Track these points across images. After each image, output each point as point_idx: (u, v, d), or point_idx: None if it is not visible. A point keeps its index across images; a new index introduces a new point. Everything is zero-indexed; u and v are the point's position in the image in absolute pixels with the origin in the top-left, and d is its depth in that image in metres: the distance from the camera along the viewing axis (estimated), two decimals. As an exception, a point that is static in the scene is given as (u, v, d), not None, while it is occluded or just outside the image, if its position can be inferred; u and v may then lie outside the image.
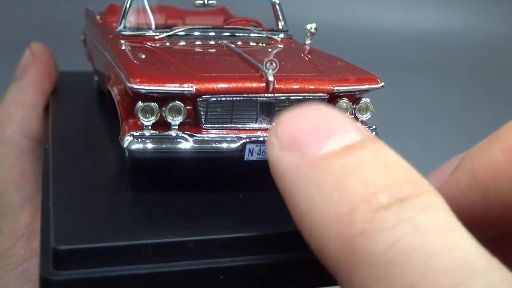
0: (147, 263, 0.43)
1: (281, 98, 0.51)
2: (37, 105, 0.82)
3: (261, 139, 0.51)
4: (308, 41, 0.68)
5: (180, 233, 0.44)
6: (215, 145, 0.50)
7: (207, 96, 0.49)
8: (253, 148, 0.51)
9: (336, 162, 0.33)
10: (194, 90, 0.49)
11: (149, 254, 0.43)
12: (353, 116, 0.55)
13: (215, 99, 0.50)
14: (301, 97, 0.52)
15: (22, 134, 0.78)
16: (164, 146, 0.49)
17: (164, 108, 0.49)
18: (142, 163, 0.53)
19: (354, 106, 0.55)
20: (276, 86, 0.50)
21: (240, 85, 0.49)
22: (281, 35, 0.69)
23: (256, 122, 0.51)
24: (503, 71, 2.07)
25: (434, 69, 1.97)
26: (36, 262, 0.67)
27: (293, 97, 0.51)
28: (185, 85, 0.48)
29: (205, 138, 0.50)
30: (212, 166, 0.53)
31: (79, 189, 0.52)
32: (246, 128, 0.51)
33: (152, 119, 0.49)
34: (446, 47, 2.10)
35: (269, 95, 0.50)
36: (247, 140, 0.50)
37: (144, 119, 0.49)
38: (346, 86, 0.53)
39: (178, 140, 0.49)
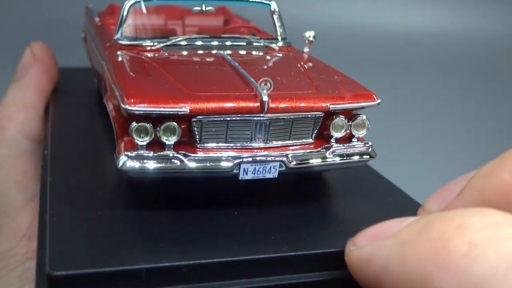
0: None
1: (276, 118, 0.51)
2: (37, 106, 0.82)
3: (256, 158, 0.51)
4: (306, 49, 0.68)
5: (174, 257, 0.44)
6: (210, 165, 0.50)
7: (202, 116, 0.49)
8: (248, 168, 0.51)
9: (412, 224, 0.38)
10: (188, 111, 0.48)
11: (143, 279, 0.43)
12: (348, 132, 0.55)
13: (209, 119, 0.49)
14: (296, 116, 0.51)
15: (23, 135, 0.78)
16: (159, 166, 0.49)
17: (158, 128, 0.49)
18: (137, 182, 0.53)
19: (350, 123, 0.54)
20: (271, 105, 0.50)
21: (234, 105, 0.49)
22: (280, 44, 0.68)
23: (251, 141, 0.51)
24: (504, 71, 2.05)
25: (434, 69, 1.96)
26: None
27: (287, 116, 0.51)
28: (179, 105, 0.48)
29: (200, 158, 0.50)
30: (207, 185, 0.54)
31: (76, 205, 0.52)
32: (241, 147, 0.51)
33: (147, 139, 0.49)
34: (447, 47, 2.09)
35: (264, 115, 0.50)
36: (242, 160, 0.50)
37: (138, 139, 0.49)
38: (342, 104, 0.53)
39: (173, 160, 0.49)
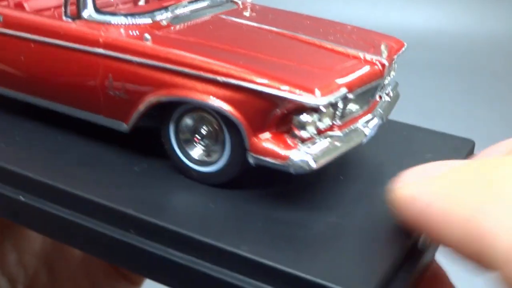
0: None
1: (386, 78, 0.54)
2: None
3: (378, 117, 0.54)
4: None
5: (388, 253, 0.44)
6: (356, 135, 0.51)
7: (348, 94, 0.49)
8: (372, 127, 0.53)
9: (461, 166, 0.40)
10: (346, 91, 0.48)
11: None
12: None
13: (354, 94, 0.50)
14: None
15: None
16: (327, 154, 0.48)
17: (319, 116, 0.47)
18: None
19: (390, 68, 0.61)
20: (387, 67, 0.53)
21: (368, 74, 0.51)
22: None
23: (367, 104, 0.53)
24: (504, 71, 2.11)
25: (435, 68, 1.92)
26: None
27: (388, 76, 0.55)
28: (341, 89, 0.47)
29: (349, 132, 0.50)
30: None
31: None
32: (362, 113, 0.53)
33: (312, 130, 0.47)
34: (447, 47, 2.03)
35: (383, 78, 0.53)
36: (374, 124, 0.53)
37: (303, 131, 0.46)
38: (396, 54, 0.58)
39: (335, 143, 0.49)
